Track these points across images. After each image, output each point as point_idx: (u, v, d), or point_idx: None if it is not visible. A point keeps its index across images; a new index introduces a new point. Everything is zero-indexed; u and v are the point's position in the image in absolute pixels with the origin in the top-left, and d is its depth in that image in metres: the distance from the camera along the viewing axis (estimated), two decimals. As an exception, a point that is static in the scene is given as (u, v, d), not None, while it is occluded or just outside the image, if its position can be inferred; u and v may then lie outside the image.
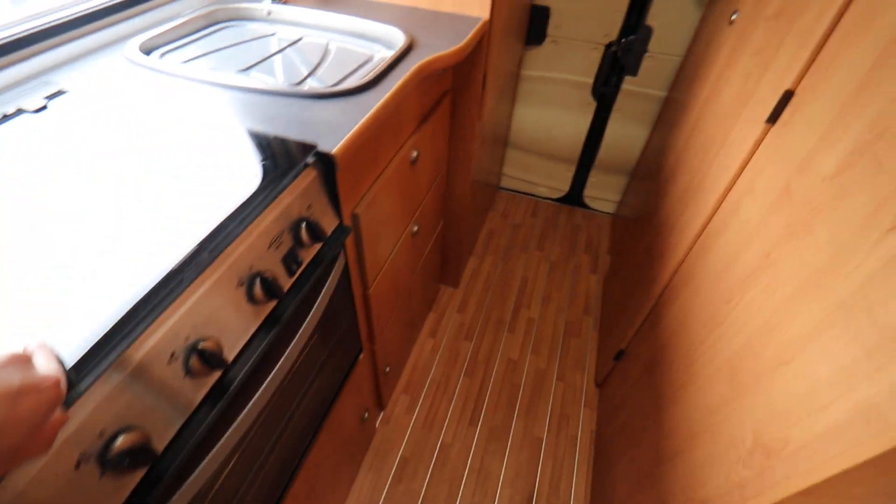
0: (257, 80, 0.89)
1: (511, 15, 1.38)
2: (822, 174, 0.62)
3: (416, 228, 1.22)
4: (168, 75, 0.82)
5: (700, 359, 0.83)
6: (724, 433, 0.68)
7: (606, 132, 1.98)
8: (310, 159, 0.67)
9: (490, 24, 1.13)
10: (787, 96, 0.77)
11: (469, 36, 1.04)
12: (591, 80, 1.86)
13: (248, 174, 0.62)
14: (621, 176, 2.10)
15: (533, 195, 2.34)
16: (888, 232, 0.46)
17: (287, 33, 1.10)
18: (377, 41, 1.07)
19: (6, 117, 0.70)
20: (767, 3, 0.96)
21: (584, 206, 2.29)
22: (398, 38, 1.01)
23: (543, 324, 1.78)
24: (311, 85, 0.90)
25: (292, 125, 0.72)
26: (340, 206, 0.77)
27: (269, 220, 0.60)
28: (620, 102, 1.88)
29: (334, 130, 0.72)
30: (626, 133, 1.95)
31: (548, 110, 2.00)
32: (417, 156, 1.07)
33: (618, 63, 1.76)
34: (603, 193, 2.21)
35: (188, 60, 0.94)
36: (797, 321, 0.58)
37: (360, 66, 0.99)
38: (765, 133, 0.82)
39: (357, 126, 0.73)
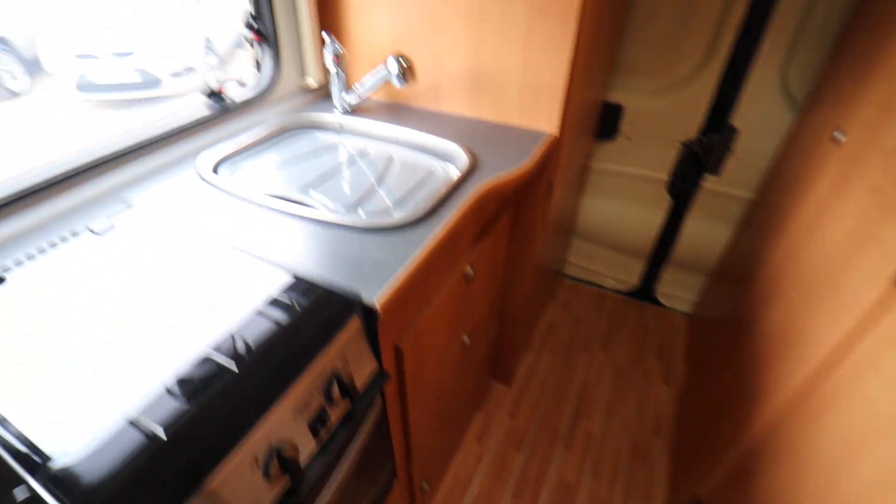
0: (316, 200, 0.89)
1: (581, 120, 1.34)
2: None
3: (467, 341, 1.14)
4: (231, 196, 0.84)
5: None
6: None
7: (684, 229, 1.83)
8: (351, 314, 0.62)
9: (559, 138, 1.09)
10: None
11: (534, 156, 0.99)
12: (666, 177, 1.75)
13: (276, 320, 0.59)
14: (700, 274, 1.91)
15: (599, 286, 2.19)
16: None
17: (354, 143, 1.12)
18: (440, 156, 1.05)
19: (73, 236, 0.73)
20: (885, 132, 0.83)
21: (656, 302, 2.10)
22: (460, 156, 0.99)
23: (605, 441, 1.58)
24: (369, 209, 0.89)
25: (340, 264, 0.69)
26: (380, 350, 0.71)
27: (298, 388, 0.55)
28: (700, 200, 1.74)
29: (382, 273, 0.67)
30: (706, 231, 1.79)
31: (618, 203, 1.90)
32: (473, 273, 1.01)
33: (697, 161, 1.65)
34: (678, 291, 2.01)
35: (257, 174, 0.96)
36: None
37: (422, 181, 0.97)
38: (888, 299, 0.67)
39: (405, 272, 0.68)
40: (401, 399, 0.86)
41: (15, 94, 3.79)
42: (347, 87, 1.13)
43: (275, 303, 0.62)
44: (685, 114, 1.60)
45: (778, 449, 0.86)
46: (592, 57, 1.15)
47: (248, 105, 1.10)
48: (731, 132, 1.54)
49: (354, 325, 0.63)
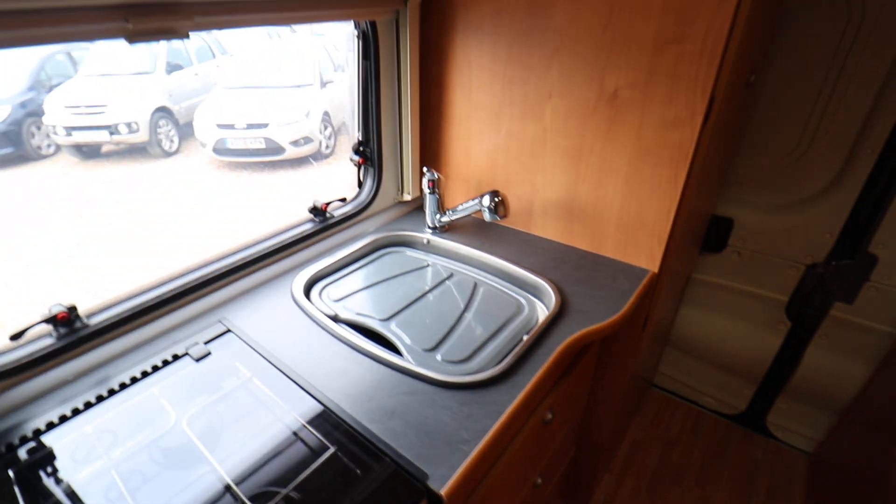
0: (397, 335, 0.89)
1: (685, 237, 1.24)
2: None
3: (539, 481, 1.05)
4: (319, 326, 0.87)
5: None
6: None
7: (806, 358, 1.59)
8: (418, 501, 0.59)
9: (658, 275, 1.01)
10: None
11: (631, 299, 0.92)
12: (784, 298, 1.54)
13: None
14: (824, 410, 1.62)
15: (696, 403, 1.95)
16: None
17: (442, 264, 1.13)
18: (528, 290, 1.02)
19: (175, 359, 0.80)
20: None
21: (768, 433, 1.80)
22: (549, 294, 0.95)
23: None
24: (447, 352, 0.87)
25: (411, 430, 0.67)
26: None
27: None
28: (827, 329, 1.50)
29: (454, 452, 0.64)
30: (834, 363, 1.53)
31: (722, 319, 1.71)
32: (552, 417, 0.94)
33: (824, 286, 1.44)
34: (795, 425, 1.72)
35: (345, 297, 1.00)
36: None
37: (508, 320, 0.94)
38: None
39: (479, 450, 0.64)
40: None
41: (168, 154, 4.53)
42: (441, 208, 1.17)
43: (337, 464, 0.61)
44: (809, 235, 1.42)
45: None
46: (703, 187, 1.08)
47: (347, 220, 1.17)
48: (868, 259, 1.33)
49: (420, 510, 0.60)
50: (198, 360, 0.81)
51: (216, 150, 4.32)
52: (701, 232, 1.51)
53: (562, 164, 1.04)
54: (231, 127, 4.25)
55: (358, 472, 0.62)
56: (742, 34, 0.80)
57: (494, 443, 0.67)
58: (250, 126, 4.25)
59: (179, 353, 0.82)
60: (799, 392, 1.66)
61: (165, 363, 0.79)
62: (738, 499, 1.62)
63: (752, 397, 1.79)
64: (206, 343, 0.84)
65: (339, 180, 4.37)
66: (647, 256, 1.00)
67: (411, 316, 0.95)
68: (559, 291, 0.94)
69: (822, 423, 1.66)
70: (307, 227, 1.11)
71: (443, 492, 0.59)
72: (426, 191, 1.15)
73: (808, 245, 1.44)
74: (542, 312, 0.96)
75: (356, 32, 1.04)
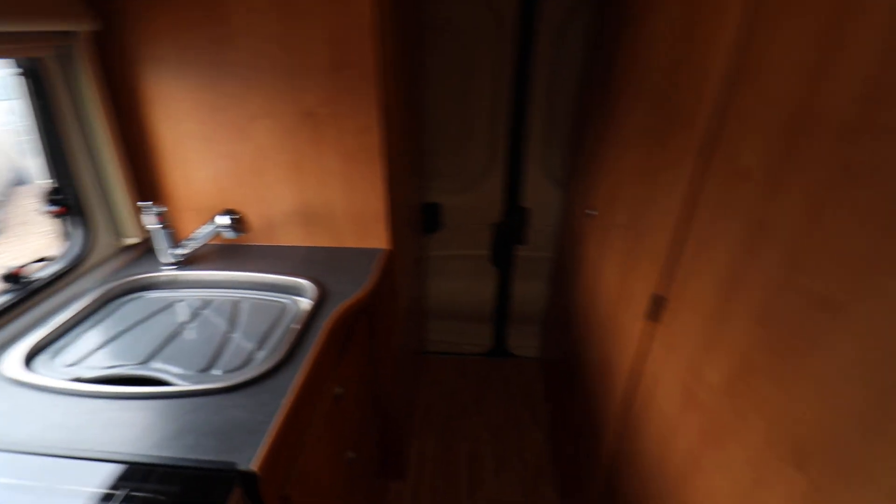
0: (162, 370, 0.86)
1: (407, 224, 1.54)
2: (711, 384, 0.70)
3: (353, 455, 1.16)
4: (51, 393, 0.77)
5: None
6: None
7: (514, 291, 2.16)
8: (231, 487, 0.63)
9: (392, 251, 1.24)
10: (659, 300, 0.91)
11: (375, 272, 1.12)
12: (487, 252, 2.07)
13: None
14: (537, 325, 2.24)
15: (459, 354, 2.38)
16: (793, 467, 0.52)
17: (193, 296, 1.10)
18: (289, 291, 1.11)
19: None
20: (617, 212, 1.17)
21: (512, 355, 2.36)
22: (307, 288, 1.06)
23: (501, 499, 1.68)
24: (227, 363, 0.89)
25: (204, 437, 0.69)
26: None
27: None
28: (519, 266, 2.09)
29: (253, 435, 0.69)
30: (530, 289, 2.14)
31: (456, 281, 2.16)
32: (343, 391, 1.06)
33: (507, 237, 2.00)
34: (526, 342, 2.31)
35: (84, 357, 0.89)
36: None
37: (276, 321, 1.01)
38: (650, 329, 0.94)
39: (277, 426, 0.71)
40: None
41: None
42: (176, 241, 1.13)
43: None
44: (487, 204, 1.96)
45: (624, 464, 1.07)
46: (403, 177, 1.37)
47: (59, 279, 1.01)
48: (524, 212, 1.93)
49: (236, 496, 0.64)
50: None
51: None
52: (417, 216, 1.86)
53: (286, 177, 1.17)
54: None
55: (162, 498, 0.61)
56: (391, 56, 1.08)
57: (292, 414, 0.75)
58: None
59: None
60: (519, 317, 2.24)
61: None
62: (504, 409, 2.07)
63: (494, 334, 2.31)
64: None
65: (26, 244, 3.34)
66: (378, 238, 1.23)
67: (174, 350, 0.92)
68: (317, 283, 1.07)
69: (538, 333, 2.28)
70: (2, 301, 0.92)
71: (254, 467, 0.65)
72: (154, 227, 1.10)
73: (489, 211, 1.97)
74: (308, 305, 1.07)
75: (18, 71, 0.92)
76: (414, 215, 1.74)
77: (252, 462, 0.65)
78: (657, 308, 0.91)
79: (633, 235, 1.05)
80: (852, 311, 0.45)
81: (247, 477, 0.65)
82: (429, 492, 1.72)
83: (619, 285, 1.11)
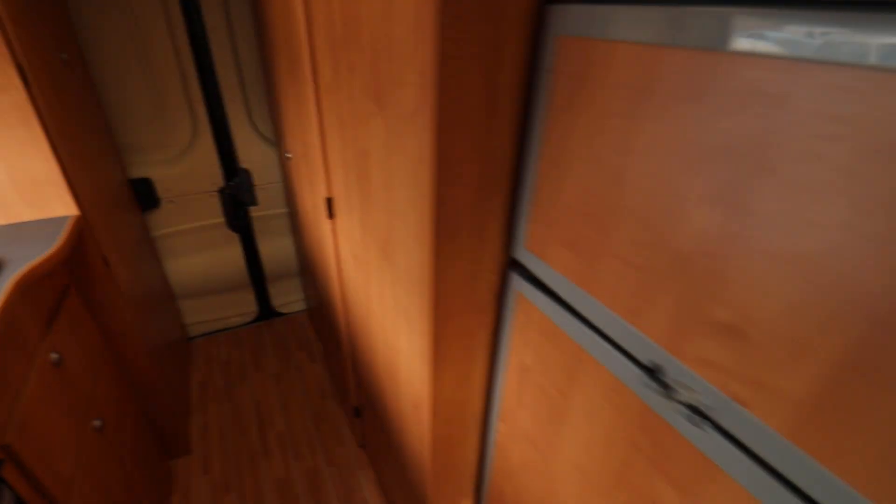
0: None
1: (111, 199, 1.51)
2: (358, 240, 1.04)
3: (98, 423, 1.18)
4: None
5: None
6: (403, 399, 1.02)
7: (261, 251, 2.28)
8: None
9: (83, 217, 1.24)
10: (330, 201, 1.21)
11: (62, 237, 1.13)
12: (221, 219, 2.13)
13: None
14: (294, 279, 2.43)
15: (228, 328, 2.41)
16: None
17: None
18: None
19: None
20: (296, 146, 1.44)
21: (280, 314, 2.51)
22: (-15, 270, 1.01)
23: (293, 429, 1.89)
24: None
25: None
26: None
27: None
28: (258, 226, 2.22)
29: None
30: (277, 246, 2.30)
31: (196, 256, 2.15)
32: (62, 357, 1.07)
33: (236, 200, 2.10)
34: (290, 298, 2.49)
35: None
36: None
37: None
38: (333, 226, 1.25)
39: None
40: (41, 493, 0.89)
41: None
42: None
43: None
44: (205, 170, 1.99)
45: (354, 336, 1.39)
46: (85, 146, 1.35)
47: None
48: (245, 173, 2.05)
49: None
50: None
51: None
52: (125, 194, 1.78)
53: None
54: None
55: None
56: (10, 21, 1.06)
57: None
58: None
59: None
60: (276, 275, 2.39)
61: None
62: (283, 359, 2.24)
63: (257, 298, 2.42)
64: None
65: None
66: (64, 204, 1.21)
67: None
68: (-4, 264, 1.03)
69: (298, 286, 2.48)
70: None
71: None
72: None
73: (210, 177, 2.02)
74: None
75: None
76: (121, 191, 1.69)
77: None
78: (331, 208, 1.23)
79: (307, 160, 1.34)
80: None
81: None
82: (219, 452, 1.80)
83: (312, 202, 1.40)
